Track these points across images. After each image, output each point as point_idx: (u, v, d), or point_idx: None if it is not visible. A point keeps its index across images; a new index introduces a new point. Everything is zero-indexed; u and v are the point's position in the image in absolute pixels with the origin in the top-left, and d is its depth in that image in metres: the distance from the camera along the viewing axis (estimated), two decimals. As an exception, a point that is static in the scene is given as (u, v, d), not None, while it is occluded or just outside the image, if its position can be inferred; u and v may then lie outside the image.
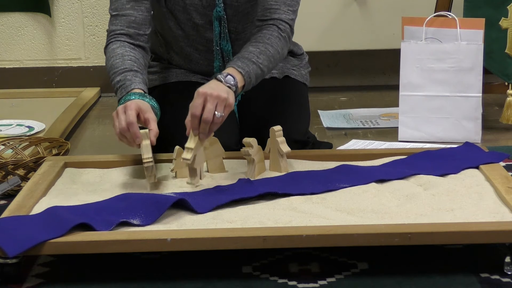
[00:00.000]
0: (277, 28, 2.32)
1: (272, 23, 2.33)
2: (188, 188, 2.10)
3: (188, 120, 2.07)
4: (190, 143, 2.05)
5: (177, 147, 2.17)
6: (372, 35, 3.56)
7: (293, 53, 2.67)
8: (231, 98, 2.10)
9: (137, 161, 2.27)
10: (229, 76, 2.15)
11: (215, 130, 2.09)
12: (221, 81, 2.13)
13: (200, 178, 2.11)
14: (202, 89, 2.08)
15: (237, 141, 2.42)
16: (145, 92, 2.20)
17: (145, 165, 2.07)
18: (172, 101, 2.44)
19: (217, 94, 2.07)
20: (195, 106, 2.06)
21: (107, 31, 2.37)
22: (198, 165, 2.08)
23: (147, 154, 2.06)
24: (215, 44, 2.48)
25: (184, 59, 2.56)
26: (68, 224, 1.82)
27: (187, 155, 2.04)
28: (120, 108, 2.11)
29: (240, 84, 2.17)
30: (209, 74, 2.55)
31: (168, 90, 2.54)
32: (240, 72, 2.18)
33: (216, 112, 2.06)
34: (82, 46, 3.71)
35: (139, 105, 2.12)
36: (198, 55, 2.53)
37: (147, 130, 2.09)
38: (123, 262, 1.89)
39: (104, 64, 3.63)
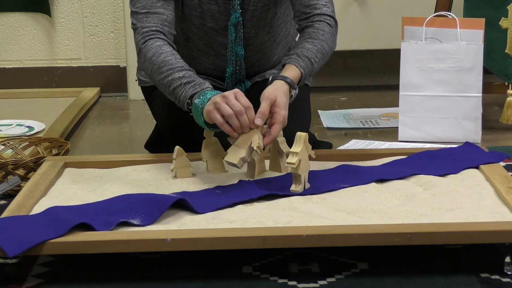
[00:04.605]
0: (326, 23, 2.31)
1: (318, 19, 2.31)
2: (188, 188, 2.10)
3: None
4: (296, 147, 2.02)
5: (177, 147, 2.17)
6: (372, 35, 3.56)
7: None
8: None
9: (137, 161, 2.28)
10: (291, 81, 2.18)
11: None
12: (289, 86, 2.18)
13: (304, 187, 2.06)
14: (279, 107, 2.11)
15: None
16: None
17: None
18: (169, 101, 2.43)
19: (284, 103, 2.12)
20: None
21: (134, 28, 2.29)
22: (302, 172, 2.03)
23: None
24: (229, 50, 2.45)
25: (190, 61, 2.54)
26: (68, 224, 1.82)
27: (292, 159, 2.01)
28: (227, 93, 2.07)
29: (295, 82, 2.21)
30: (213, 76, 2.53)
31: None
32: (301, 72, 2.22)
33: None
34: (82, 46, 3.71)
35: None
36: (207, 59, 2.50)
37: None
38: (123, 262, 1.89)
39: (103, 64, 3.69)
